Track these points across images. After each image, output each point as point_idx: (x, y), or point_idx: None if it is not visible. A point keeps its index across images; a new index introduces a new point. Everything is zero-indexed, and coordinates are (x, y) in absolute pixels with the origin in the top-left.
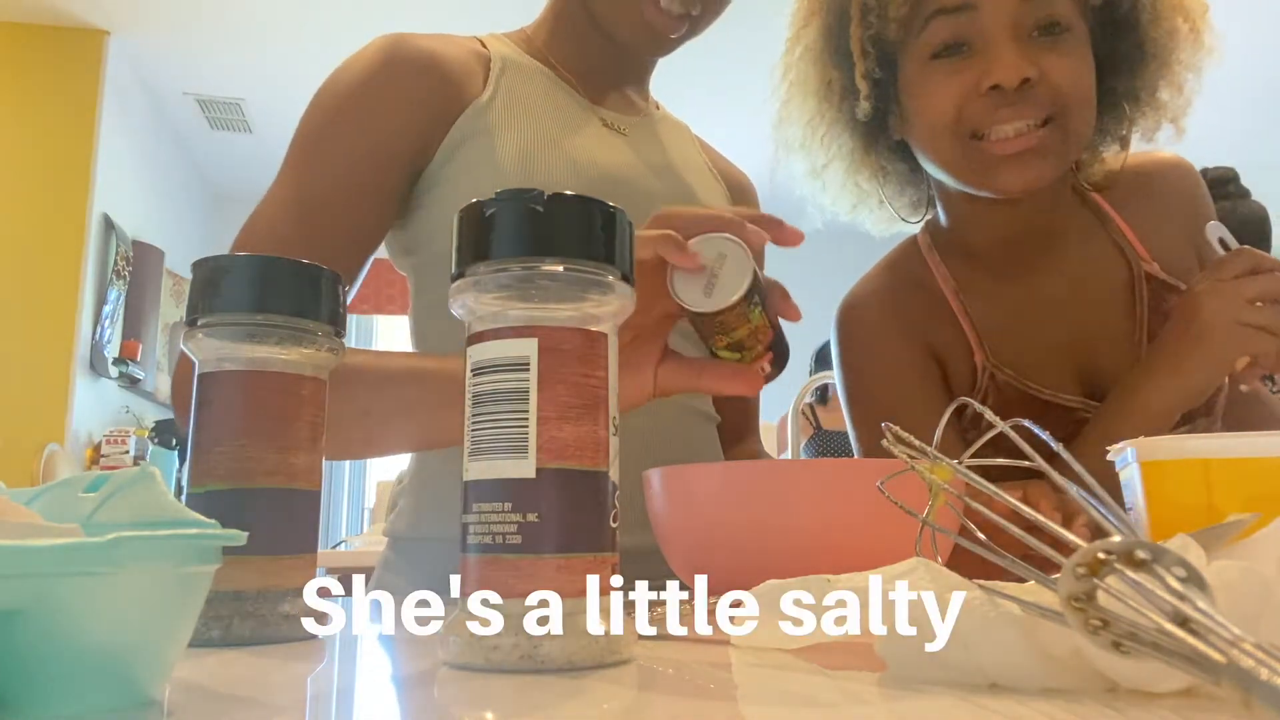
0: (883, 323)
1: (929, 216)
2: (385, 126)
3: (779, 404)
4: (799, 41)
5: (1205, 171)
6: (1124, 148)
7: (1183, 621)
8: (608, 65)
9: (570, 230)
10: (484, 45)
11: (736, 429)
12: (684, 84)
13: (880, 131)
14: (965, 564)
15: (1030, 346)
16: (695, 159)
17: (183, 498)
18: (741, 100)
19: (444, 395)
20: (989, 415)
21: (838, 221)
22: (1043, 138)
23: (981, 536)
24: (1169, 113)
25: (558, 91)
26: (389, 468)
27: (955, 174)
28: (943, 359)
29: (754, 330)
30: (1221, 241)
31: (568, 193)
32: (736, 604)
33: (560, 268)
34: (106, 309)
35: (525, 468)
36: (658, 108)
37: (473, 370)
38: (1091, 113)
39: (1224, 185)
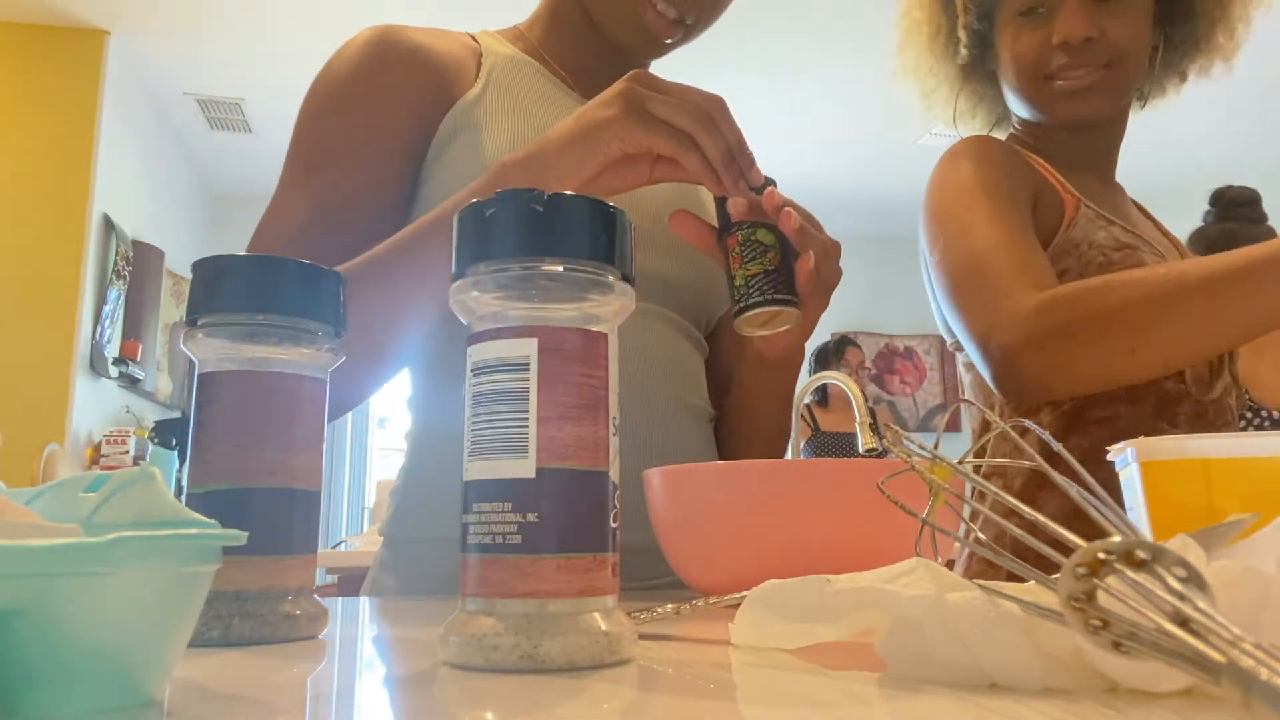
0: (989, 144)
1: (1013, 131)
2: (378, 122)
3: None
4: None
5: (1228, 189)
6: (1181, 80)
7: (1183, 621)
8: (602, 64)
9: (570, 230)
10: (475, 40)
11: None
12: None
13: (978, 65)
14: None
15: (1104, 208)
16: None
17: (183, 498)
18: (739, 101)
19: (421, 246)
20: (990, 415)
21: (835, 232)
22: (1097, 79)
23: (982, 536)
24: (1223, 54)
25: (550, 87)
26: (389, 468)
27: (1033, 106)
28: (1037, 192)
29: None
30: None
31: (568, 193)
32: (736, 604)
33: (560, 268)
34: (106, 309)
35: (525, 468)
36: None
37: (473, 370)
38: (1141, 63)
39: (1240, 207)
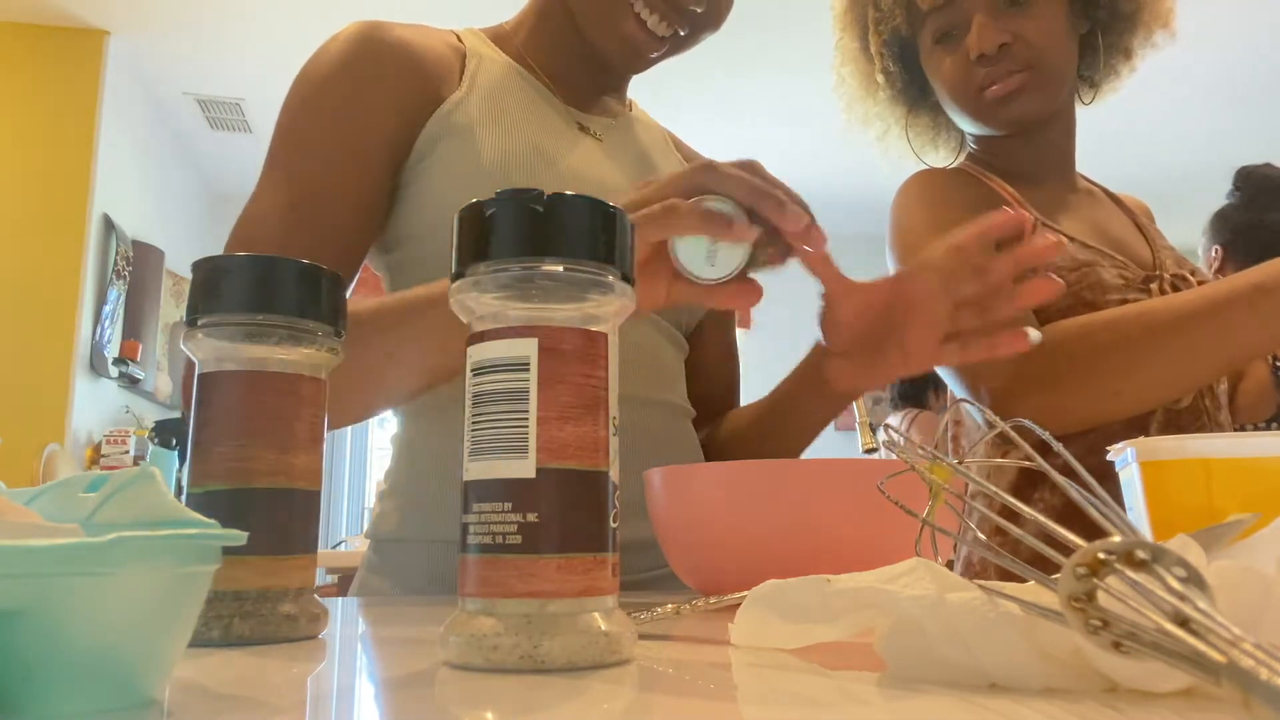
0: (934, 178)
1: (970, 151)
2: (362, 117)
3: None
4: (840, 48)
5: (1256, 168)
6: (1128, 58)
7: (1183, 621)
8: (586, 70)
9: (570, 230)
10: (460, 40)
11: (723, 402)
12: (670, 84)
13: (923, 98)
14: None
15: (1064, 220)
16: (670, 159)
17: (183, 498)
18: (729, 101)
19: (431, 319)
20: (990, 416)
21: (836, 232)
22: (1023, 81)
23: (982, 536)
24: (1159, 21)
25: (533, 93)
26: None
27: (973, 122)
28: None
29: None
30: None
31: (568, 193)
32: (736, 604)
33: (560, 268)
34: (106, 309)
35: (525, 468)
36: (632, 108)
37: (473, 370)
38: (1065, 56)
39: (1267, 193)
